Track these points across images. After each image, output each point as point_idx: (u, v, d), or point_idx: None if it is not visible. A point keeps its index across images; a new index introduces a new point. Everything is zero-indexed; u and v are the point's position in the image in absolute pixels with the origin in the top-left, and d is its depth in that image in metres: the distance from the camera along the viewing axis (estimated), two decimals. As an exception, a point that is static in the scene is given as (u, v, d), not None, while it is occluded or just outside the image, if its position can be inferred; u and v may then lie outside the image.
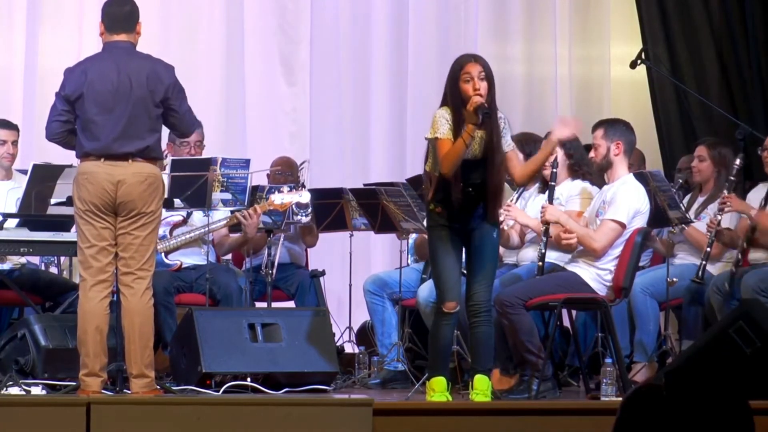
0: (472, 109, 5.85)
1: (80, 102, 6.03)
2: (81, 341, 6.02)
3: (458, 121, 5.88)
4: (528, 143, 7.23)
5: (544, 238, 6.74)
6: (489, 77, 5.95)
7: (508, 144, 6.06)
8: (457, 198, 5.88)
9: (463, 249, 6.04)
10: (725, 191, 7.15)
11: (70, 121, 6.08)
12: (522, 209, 7.08)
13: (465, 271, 6.16)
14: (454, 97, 5.92)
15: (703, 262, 7.05)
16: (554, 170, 6.88)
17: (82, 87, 6.03)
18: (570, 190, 7.05)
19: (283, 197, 7.46)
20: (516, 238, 7.15)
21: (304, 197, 7.52)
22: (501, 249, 7.27)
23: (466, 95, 5.88)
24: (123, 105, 6.00)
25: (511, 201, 7.05)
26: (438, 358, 6.04)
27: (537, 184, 7.16)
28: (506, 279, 6.84)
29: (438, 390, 5.95)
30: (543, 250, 6.72)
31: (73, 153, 6.40)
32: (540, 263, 6.70)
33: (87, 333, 5.99)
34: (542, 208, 6.74)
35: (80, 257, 6.06)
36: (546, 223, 6.72)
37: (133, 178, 5.97)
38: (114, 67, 6.04)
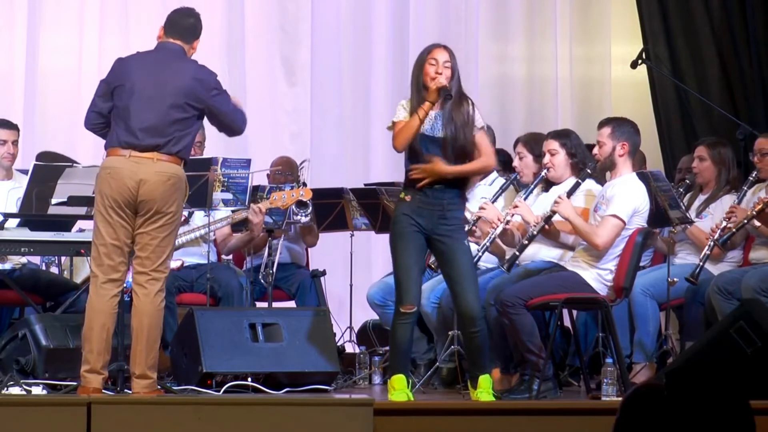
0: (434, 87, 5.95)
1: (119, 90, 6.05)
2: (86, 337, 6.01)
3: (418, 103, 5.99)
4: (537, 143, 7.23)
5: (534, 231, 6.74)
6: (453, 68, 6.04)
7: (476, 124, 6.10)
8: (418, 165, 5.95)
9: (428, 252, 6.12)
10: (734, 201, 7.14)
11: (105, 114, 6.09)
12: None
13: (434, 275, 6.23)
14: (417, 78, 6.04)
15: (701, 264, 7.05)
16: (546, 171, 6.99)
17: (124, 75, 6.07)
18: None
19: (285, 195, 7.47)
20: (519, 236, 7.14)
21: (306, 195, 7.53)
22: (503, 248, 7.28)
23: (427, 77, 5.99)
24: (159, 101, 6.00)
25: (519, 198, 7.05)
26: (397, 358, 6.04)
27: (541, 184, 7.16)
28: (515, 274, 6.83)
29: (398, 388, 5.96)
30: (525, 242, 6.76)
31: (72, 153, 6.41)
32: (517, 252, 6.73)
33: (93, 330, 5.98)
34: (559, 198, 6.71)
35: (93, 253, 6.05)
36: (553, 213, 6.70)
37: (156, 177, 5.96)
38: (158, 64, 6.09)
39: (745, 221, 6.97)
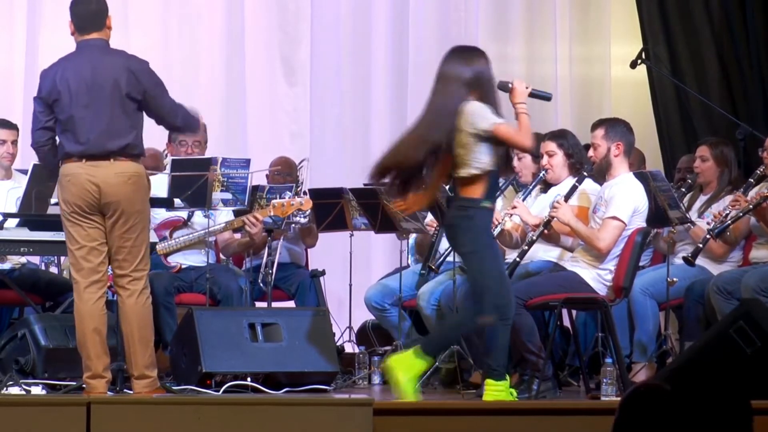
0: (524, 87, 5.95)
1: (58, 103, 5.97)
2: (81, 344, 6.00)
3: (496, 104, 5.90)
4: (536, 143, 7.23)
5: (534, 236, 6.74)
6: None
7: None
8: (497, 180, 5.97)
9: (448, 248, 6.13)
10: (740, 191, 7.14)
11: (52, 127, 6.02)
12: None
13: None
14: (490, 85, 5.92)
15: (701, 246, 7.05)
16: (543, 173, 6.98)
17: (58, 87, 5.98)
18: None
19: (284, 204, 7.46)
20: (517, 237, 7.15)
21: (306, 204, 7.52)
22: (503, 248, 7.28)
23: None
24: (99, 102, 5.93)
25: (518, 199, 7.07)
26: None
27: (539, 185, 7.17)
28: (514, 275, 6.84)
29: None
30: (525, 248, 6.76)
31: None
32: (518, 258, 6.73)
33: (86, 335, 5.96)
34: (557, 203, 6.71)
35: (71, 259, 6.01)
36: (551, 218, 6.70)
37: (116, 178, 5.92)
38: (88, 66, 5.98)
39: (741, 214, 6.96)
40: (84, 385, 6.05)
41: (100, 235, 5.96)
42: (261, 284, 7.65)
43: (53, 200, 6.84)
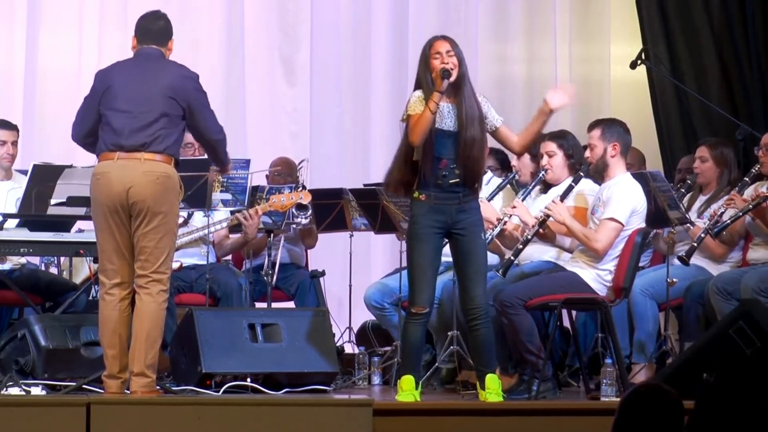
0: (435, 75, 5.94)
1: (104, 98, 6.04)
2: (101, 343, 6.07)
3: (428, 96, 5.96)
4: (535, 142, 7.23)
5: (529, 235, 6.74)
6: (458, 55, 6.03)
7: (495, 119, 6.13)
8: (428, 168, 5.94)
9: (448, 246, 6.10)
10: (735, 190, 7.15)
11: (95, 130, 6.07)
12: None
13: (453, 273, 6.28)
14: (423, 74, 6.01)
15: (695, 245, 7.05)
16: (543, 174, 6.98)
17: (107, 83, 6.05)
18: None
19: (284, 198, 7.46)
20: (517, 237, 7.14)
21: (305, 198, 7.52)
22: (503, 248, 7.28)
23: (435, 72, 5.97)
24: (143, 100, 5.99)
25: (518, 199, 7.07)
26: (407, 358, 6.08)
27: (539, 186, 7.17)
28: (512, 275, 6.83)
29: (406, 389, 5.97)
30: (520, 246, 6.76)
31: (72, 153, 6.37)
32: (512, 257, 6.73)
33: (105, 336, 6.02)
34: (552, 202, 6.72)
35: (99, 260, 6.07)
36: (547, 216, 6.71)
37: (143, 177, 5.93)
38: (139, 69, 6.09)
39: (740, 213, 6.96)
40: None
41: (126, 238, 5.98)
42: (265, 277, 7.63)
43: (53, 200, 6.85)
